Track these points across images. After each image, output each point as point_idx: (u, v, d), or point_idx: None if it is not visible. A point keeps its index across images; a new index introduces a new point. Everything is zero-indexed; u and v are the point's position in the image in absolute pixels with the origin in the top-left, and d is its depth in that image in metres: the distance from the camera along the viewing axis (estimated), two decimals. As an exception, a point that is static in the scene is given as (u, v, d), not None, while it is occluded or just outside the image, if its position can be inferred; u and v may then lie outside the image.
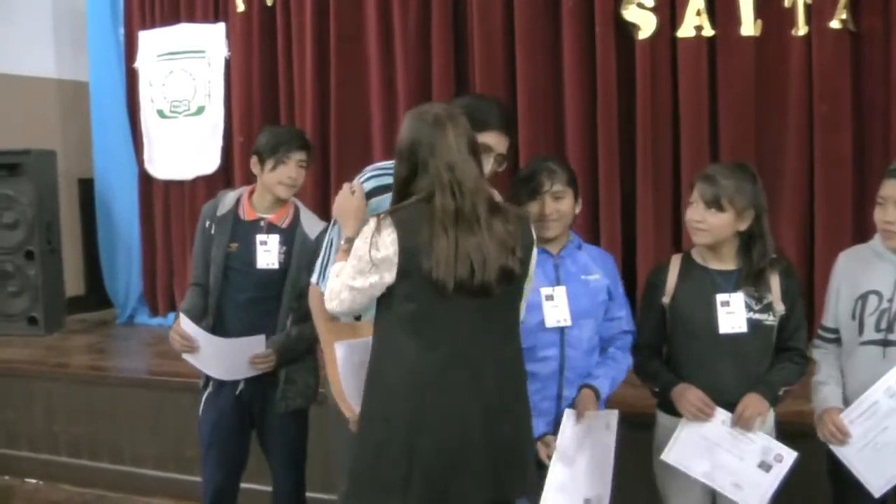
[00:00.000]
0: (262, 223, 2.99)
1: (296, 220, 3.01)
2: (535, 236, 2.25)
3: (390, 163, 2.31)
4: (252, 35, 5.36)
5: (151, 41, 5.69)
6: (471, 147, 2.14)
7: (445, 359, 2.08)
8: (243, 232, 2.98)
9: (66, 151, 5.90)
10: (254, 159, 3.00)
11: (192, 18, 5.58)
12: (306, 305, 2.89)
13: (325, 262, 2.43)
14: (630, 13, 4.29)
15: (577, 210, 2.58)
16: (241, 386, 2.99)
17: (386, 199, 2.28)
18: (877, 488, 2.38)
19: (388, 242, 2.06)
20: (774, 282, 2.48)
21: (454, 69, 4.76)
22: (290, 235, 2.98)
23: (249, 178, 3.26)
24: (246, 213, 3.01)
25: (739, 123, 4.17)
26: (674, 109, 4.29)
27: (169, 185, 5.73)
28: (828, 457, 2.48)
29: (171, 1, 5.64)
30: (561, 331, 2.47)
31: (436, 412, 2.07)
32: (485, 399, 2.10)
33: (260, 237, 2.96)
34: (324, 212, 2.49)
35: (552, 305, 2.46)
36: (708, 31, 4.19)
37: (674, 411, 2.50)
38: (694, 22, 4.20)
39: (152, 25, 5.71)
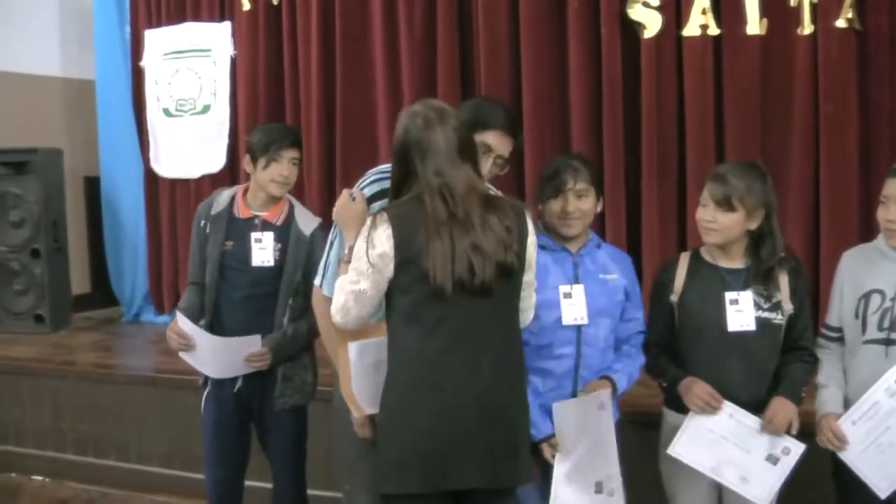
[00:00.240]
0: (256, 221, 3.00)
1: (290, 217, 3.02)
2: (531, 225, 2.23)
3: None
4: (258, 34, 5.37)
5: (157, 40, 5.70)
6: (462, 149, 2.14)
7: (442, 346, 2.10)
8: (238, 230, 2.99)
9: (72, 150, 5.91)
10: (246, 158, 3.01)
11: (198, 17, 5.59)
12: (302, 302, 2.91)
13: (326, 263, 2.44)
14: (636, 12, 4.28)
15: (599, 209, 2.57)
16: (238, 384, 3.00)
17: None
18: (882, 490, 2.37)
19: (384, 238, 2.08)
20: (783, 281, 2.49)
21: (459, 68, 4.76)
22: (285, 233, 2.99)
23: (253, 177, 3.27)
24: (240, 212, 3.02)
25: (745, 122, 4.16)
26: (679, 108, 4.28)
27: (175, 183, 5.74)
28: (831, 459, 2.48)
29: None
30: (578, 329, 2.48)
31: (432, 399, 2.10)
32: (480, 387, 2.12)
33: (255, 235, 2.97)
34: (328, 209, 2.49)
35: (570, 303, 2.47)
36: (713, 30, 4.18)
37: (681, 409, 2.50)
38: (699, 21, 4.18)
39: (158, 24, 5.72)
